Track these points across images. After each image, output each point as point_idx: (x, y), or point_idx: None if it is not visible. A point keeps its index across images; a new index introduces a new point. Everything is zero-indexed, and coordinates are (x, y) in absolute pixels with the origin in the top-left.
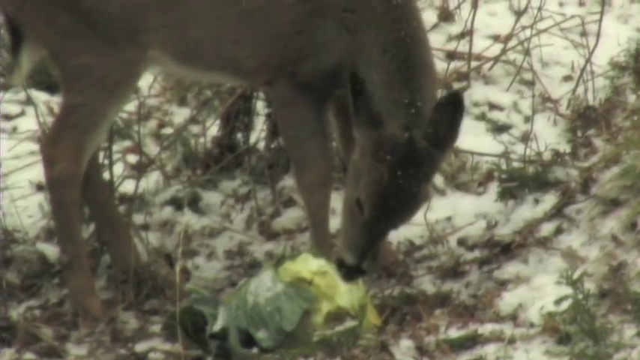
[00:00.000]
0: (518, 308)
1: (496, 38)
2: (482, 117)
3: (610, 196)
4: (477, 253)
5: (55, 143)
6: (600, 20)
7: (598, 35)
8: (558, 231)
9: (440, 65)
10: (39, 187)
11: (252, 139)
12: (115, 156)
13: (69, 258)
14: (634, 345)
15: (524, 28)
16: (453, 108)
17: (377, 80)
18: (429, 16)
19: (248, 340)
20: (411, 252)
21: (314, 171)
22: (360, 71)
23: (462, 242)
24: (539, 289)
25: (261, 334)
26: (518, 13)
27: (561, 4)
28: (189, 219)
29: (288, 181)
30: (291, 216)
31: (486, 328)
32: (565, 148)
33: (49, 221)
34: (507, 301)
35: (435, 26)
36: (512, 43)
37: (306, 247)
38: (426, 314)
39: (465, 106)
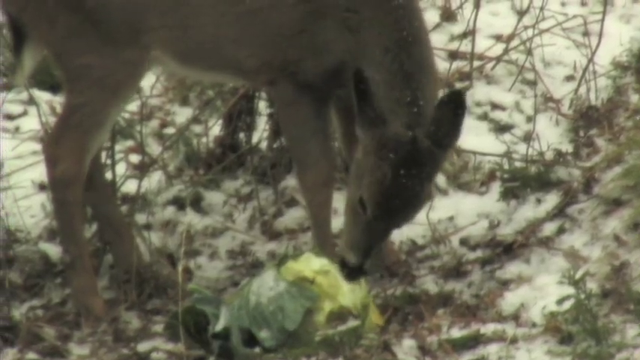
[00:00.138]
0: (520, 308)
1: (498, 38)
2: (484, 117)
3: (612, 195)
4: (479, 253)
5: (58, 143)
6: (602, 20)
7: (600, 35)
8: (560, 231)
9: (442, 65)
10: (41, 187)
11: (255, 138)
12: (118, 156)
13: (71, 258)
14: (636, 345)
15: (526, 27)
16: (455, 107)
17: (379, 80)
18: (431, 16)
19: (250, 340)
20: (413, 252)
21: (316, 171)
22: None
23: (464, 242)
24: (541, 289)
25: (263, 334)
26: (521, 13)
27: (563, 4)
28: (191, 219)
29: (291, 181)
30: (294, 216)
31: (489, 328)
32: (567, 147)
33: (51, 221)
34: (509, 300)
35: (437, 26)
36: (515, 42)
37: (309, 247)
38: (428, 314)
39: (467, 105)
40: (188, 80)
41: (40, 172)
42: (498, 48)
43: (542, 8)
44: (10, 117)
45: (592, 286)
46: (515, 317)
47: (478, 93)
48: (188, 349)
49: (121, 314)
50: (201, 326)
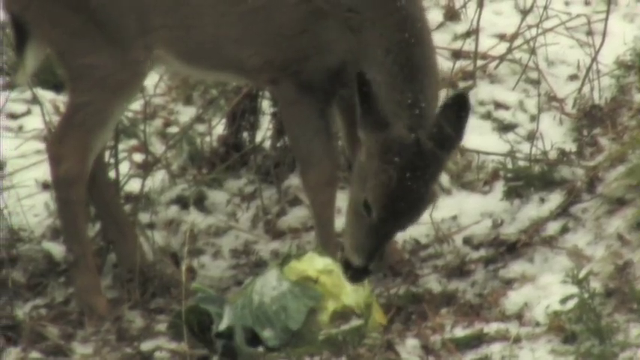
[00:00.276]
0: (523, 307)
1: (502, 37)
2: (487, 116)
3: (616, 195)
4: (482, 252)
5: (61, 142)
6: (606, 19)
7: (604, 34)
8: (564, 230)
9: (445, 64)
10: (45, 186)
11: (258, 138)
12: (121, 155)
13: (75, 257)
14: None
15: (529, 27)
16: (458, 108)
17: (380, 81)
18: (434, 15)
19: (254, 339)
20: (416, 251)
21: (319, 170)
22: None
23: (467, 241)
24: (544, 288)
25: (266, 333)
26: (524, 12)
27: (567, 3)
28: (194, 218)
29: (294, 180)
30: (297, 215)
31: (492, 327)
32: (571, 147)
33: (54, 220)
34: (513, 300)
35: (440, 25)
36: (518, 42)
37: (312, 246)
38: (431, 313)
39: (471, 107)
40: (191, 79)
41: (43, 171)
42: (502, 47)
43: (545, 7)
44: (13, 116)
45: (595, 285)
46: (519, 316)
47: (481, 92)
48: (191, 348)
49: (124, 313)
50: (205, 325)
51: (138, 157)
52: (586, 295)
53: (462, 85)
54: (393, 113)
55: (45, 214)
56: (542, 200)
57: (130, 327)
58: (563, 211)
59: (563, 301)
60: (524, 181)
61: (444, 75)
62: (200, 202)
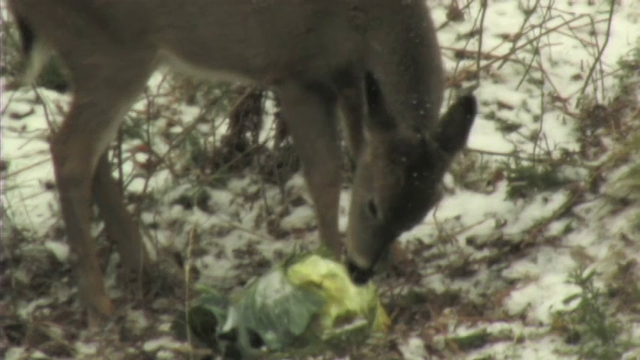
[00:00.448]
0: (527, 307)
1: (505, 37)
2: (491, 116)
3: (619, 195)
4: (486, 252)
5: (65, 142)
6: (610, 19)
7: (607, 34)
8: (567, 230)
9: (449, 64)
10: (48, 186)
11: (262, 138)
12: (125, 155)
13: (78, 257)
14: None
15: (533, 27)
16: (465, 110)
17: (385, 81)
18: (438, 15)
19: (257, 340)
20: (420, 251)
21: (323, 170)
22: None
23: (471, 241)
24: (548, 288)
25: (269, 336)
26: (528, 12)
27: (570, 3)
28: (198, 218)
29: (298, 180)
30: (301, 215)
31: (495, 327)
32: (574, 147)
33: (58, 220)
34: (516, 300)
35: (444, 25)
36: (522, 42)
37: (316, 246)
38: (435, 313)
39: (477, 110)
40: (195, 79)
41: (46, 171)
42: (505, 47)
43: (549, 7)
44: (17, 116)
45: (599, 285)
46: (522, 316)
47: (485, 92)
48: (195, 348)
49: (127, 313)
50: (208, 325)
51: (141, 157)
52: (589, 295)
53: (465, 85)
54: (397, 113)
55: (48, 214)
56: (546, 200)
57: (134, 327)
58: (566, 211)
59: (567, 301)
60: (528, 181)
61: (447, 75)
62: (203, 202)
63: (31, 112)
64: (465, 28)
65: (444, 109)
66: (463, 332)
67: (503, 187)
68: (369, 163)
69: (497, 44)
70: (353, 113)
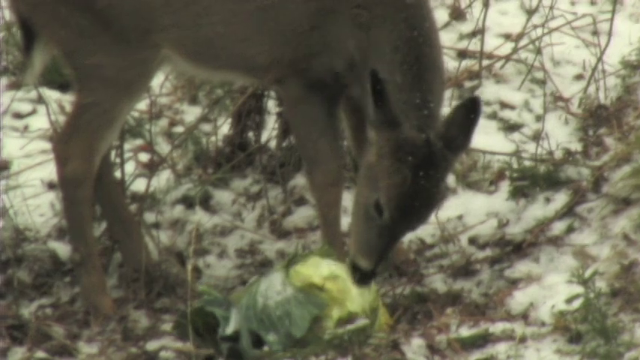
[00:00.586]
0: (529, 307)
1: (507, 37)
2: (493, 116)
3: (621, 194)
4: (488, 252)
5: (68, 142)
6: (612, 19)
7: (609, 34)
8: (569, 230)
9: (451, 64)
10: (50, 186)
11: (264, 137)
12: (127, 154)
13: (80, 256)
14: None
15: (535, 26)
16: (469, 111)
17: (389, 80)
18: (440, 15)
19: (258, 340)
20: (422, 251)
21: (325, 170)
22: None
23: (473, 241)
24: (550, 288)
25: (270, 337)
26: (530, 12)
27: (573, 3)
28: (200, 217)
29: (300, 180)
30: (303, 215)
31: (497, 327)
32: (576, 146)
33: (60, 220)
34: (518, 299)
35: (446, 25)
36: (524, 41)
37: (318, 246)
38: (437, 313)
39: (481, 111)
40: (197, 79)
41: (49, 171)
42: (507, 47)
43: (551, 7)
44: (19, 116)
45: (601, 285)
46: (524, 316)
47: (487, 92)
48: (197, 347)
49: (129, 313)
50: (210, 326)
51: (143, 157)
52: (591, 295)
53: (467, 84)
54: (401, 112)
55: (50, 214)
56: (548, 200)
57: (136, 326)
58: (568, 211)
59: (569, 300)
60: (530, 180)
61: (449, 75)
62: (205, 202)
63: (34, 112)
64: (467, 27)
65: (446, 109)
66: (465, 332)
67: (505, 186)
68: (374, 163)
69: (499, 44)
70: (355, 113)
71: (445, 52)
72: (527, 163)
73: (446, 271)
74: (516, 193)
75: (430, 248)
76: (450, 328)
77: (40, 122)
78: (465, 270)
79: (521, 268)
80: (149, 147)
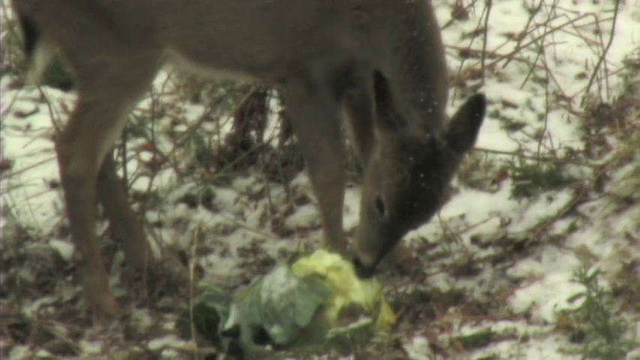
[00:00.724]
0: (531, 306)
1: (510, 36)
2: (495, 115)
3: (624, 193)
4: (490, 251)
5: (70, 141)
6: (614, 18)
7: (612, 33)
8: (572, 229)
9: (454, 63)
10: (53, 185)
11: (266, 136)
12: (129, 153)
13: (83, 255)
14: None
15: (537, 25)
16: (474, 110)
17: (391, 80)
18: (442, 14)
19: (261, 337)
20: (424, 250)
21: (327, 169)
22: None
23: (475, 240)
24: (552, 287)
25: (275, 330)
26: (532, 11)
27: (575, 2)
28: (202, 216)
29: (302, 179)
30: (305, 213)
31: (500, 326)
32: (579, 145)
33: (62, 219)
34: (521, 298)
35: (448, 24)
36: (526, 40)
37: (320, 245)
38: (439, 312)
39: (486, 110)
40: (199, 78)
41: (51, 170)
42: (510, 46)
43: (553, 6)
44: (21, 114)
45: (603, 284)
46: (527, 315)
47: (489, 91)
48: (199, 346)
49: (132, 312)
50: (212, 323)
51: (146, 156)
52: (594, 294)
53: (470, 83)
54: (405, 112)
55: (53, 213)
56: (550, 199)
57: (138, 325)
58: (571, 210)
59: (571, 299)
60: (532, 179)
61: (452, 74)
62: (208, 201)
63: (36, 111)
64: (469, 26)
65: (449, 109)
66: (467, 331)
67: (507, 185)
68: (378, 161)
69: (501, 43)
70: (357, 112)
71: (447, 51)
72: (529, 162)
73: (448, 270)
74: (519, 192)
75: (432, 247)
76: (453, 327)
77: (42, 121)
78: (468, 269)
79: (524, 267)
80: (151, 146)
